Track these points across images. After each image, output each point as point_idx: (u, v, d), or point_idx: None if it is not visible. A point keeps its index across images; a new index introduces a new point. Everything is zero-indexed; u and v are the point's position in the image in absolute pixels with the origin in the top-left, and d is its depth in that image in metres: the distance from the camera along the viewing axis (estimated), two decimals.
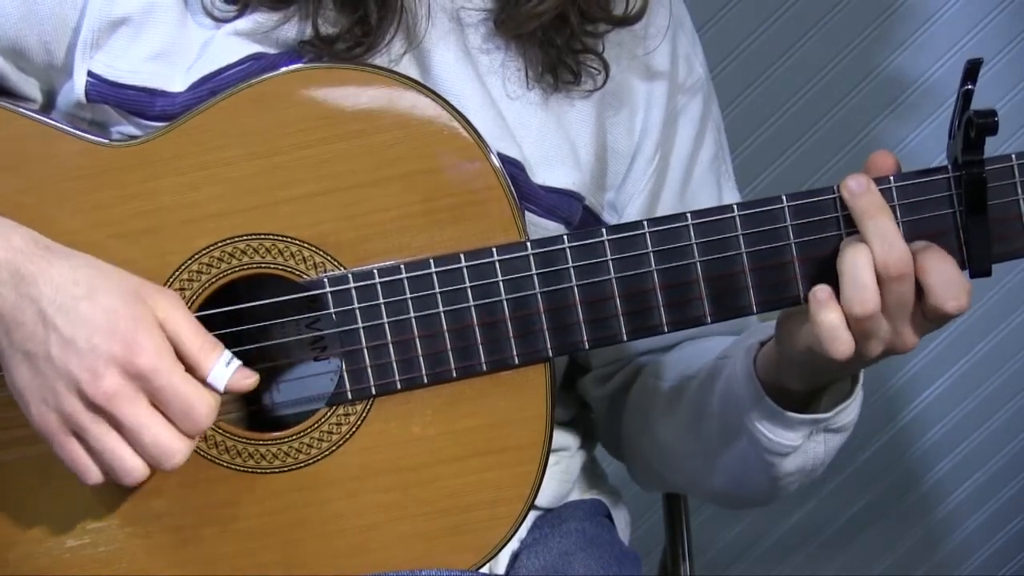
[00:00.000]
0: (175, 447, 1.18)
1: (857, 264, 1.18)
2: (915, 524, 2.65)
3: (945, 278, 1.18)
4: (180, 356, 1.19)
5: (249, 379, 1.22)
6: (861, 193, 1.20)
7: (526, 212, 1.32)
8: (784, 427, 1.28)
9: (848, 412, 1.30)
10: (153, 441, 1.18)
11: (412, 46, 1.32)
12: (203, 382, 1.19)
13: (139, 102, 1.29)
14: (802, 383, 1.27)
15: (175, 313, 1.20)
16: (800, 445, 1.30)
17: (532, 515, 1.43)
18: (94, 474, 1.20)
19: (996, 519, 2.65)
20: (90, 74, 1.29)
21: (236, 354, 1.22)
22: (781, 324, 1.25)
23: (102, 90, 1.29)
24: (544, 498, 1.43)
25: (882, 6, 2.43)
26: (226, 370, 1.20)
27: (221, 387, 1.20)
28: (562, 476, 1.48)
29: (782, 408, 1.27)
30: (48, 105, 1.34)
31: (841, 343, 1.18)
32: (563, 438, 1.49)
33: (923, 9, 2.43)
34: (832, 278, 1.20)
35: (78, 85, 1.29)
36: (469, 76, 1.33)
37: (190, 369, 1.19)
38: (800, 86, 2.46)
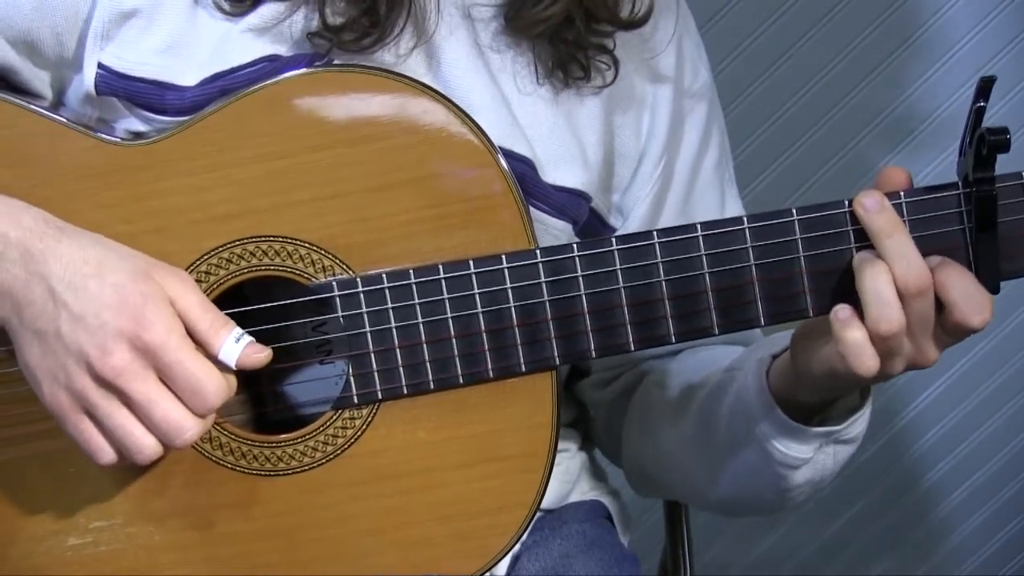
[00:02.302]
0: (185, 424, 1.17)
1: (879, 283, 1.18)
2: (915, 524, 2.66)
3: (967, 292, 1.18)
4: (190, 334, 1.19)
5: (261, 354, 1.20)
6: (877, 211, 1.20)
7: (536, 210, 1.32)
8: (796, 440, 1.29)
9: (859, 423, 1.30)
10: (163, 417, 1.17)
11: (422, 41, 1.31)
12: (215, 360, 1.19)
13: (148, 95, 1.29)
14: (814, 397, 1.27)
15: (185, 291, 1.20)
16: (811, 457, 1.30)
17: None
18: (107, 454, 1.19)
19: (995, 519, 2.66)
20: (100, 65, 1.29)
21: None
22: (797, 343, 1.25)
23: (112, 82, 1.29)
24: (544, 499, 1.43)
25: (882, 6, 2.43)
26: (236, 346, 1.19)
27: (232, 363, 1.19)
28: (562, 477, 1.48)
29: (793, 420, 1.28)
30: (57, 104, 1.34)
31: (868, 358, 1.18)
32: (563, 440, 1.49)
33: (923, 9, 2.43)
34: (840, 291, 1.20)
35: (88, 77, 1.29)
36: (480, 74, 1.33)
37: (201, 347, 1.19)
38: (800, 86, 2.46)
